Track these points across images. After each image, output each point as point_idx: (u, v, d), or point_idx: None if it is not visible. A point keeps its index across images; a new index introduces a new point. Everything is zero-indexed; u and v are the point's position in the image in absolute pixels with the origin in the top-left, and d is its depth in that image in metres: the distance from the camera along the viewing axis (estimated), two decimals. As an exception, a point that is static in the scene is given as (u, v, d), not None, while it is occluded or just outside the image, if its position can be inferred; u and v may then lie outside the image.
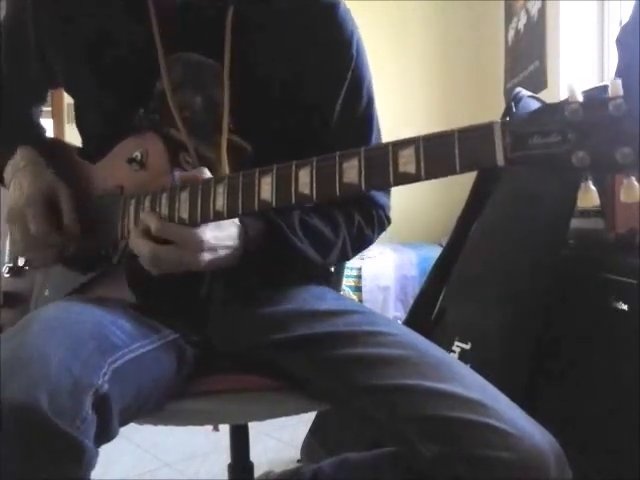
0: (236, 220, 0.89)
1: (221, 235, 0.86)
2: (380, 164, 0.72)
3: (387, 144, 0.72)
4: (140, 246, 0.85)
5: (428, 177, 0.70)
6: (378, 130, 1.08)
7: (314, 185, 0.76)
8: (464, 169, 0.67)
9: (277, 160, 0.80)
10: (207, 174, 0.86)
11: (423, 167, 0.69)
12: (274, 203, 0.78)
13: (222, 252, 0.87)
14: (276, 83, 1.00)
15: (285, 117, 1.00)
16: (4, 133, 1.08)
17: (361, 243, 1.07)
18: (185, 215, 0.84)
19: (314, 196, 0.76)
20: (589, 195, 0.65)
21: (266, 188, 0.79)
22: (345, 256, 1.04)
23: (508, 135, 0.65)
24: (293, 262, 0.97)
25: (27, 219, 0.94)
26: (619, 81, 0.62)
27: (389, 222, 1.10)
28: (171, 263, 0.84)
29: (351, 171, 0.73)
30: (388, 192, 1.09)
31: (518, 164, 0.65)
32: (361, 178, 0.73)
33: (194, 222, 0.84)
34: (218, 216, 0.83)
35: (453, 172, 0.68)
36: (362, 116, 1.06)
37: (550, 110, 0.65)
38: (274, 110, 1.00)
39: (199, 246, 0.84)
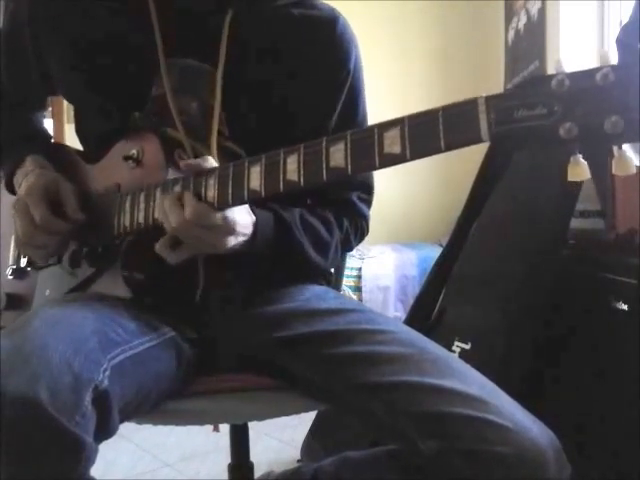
0: (250, 211, 0.89)
1: (243, 222, 0.87)
2: (366, 146, 0.71)
3: (373, 126, 0.72)
4: (172, 214, 0.83)
5: (413, 157, 0.69)
6: None
7: (301, 171, 0.76)
8: (449, 147, 0.66)
9: None
10: (212, 163, 0.86)
11: (408, 147, 0.68)
12: (263, 192, 0.79)
13: (241, 238, 0.87)
14: (270, 91, 1.00)
15: (279, 126, 1.00)
16: (10, 143, 1.08)
17: (345, 248, 1.08)
18: None
19: (302, 182, 0.76)
20: (579, 168, 0.63)
21: (255, 177, 0.79)
22: (335, 259, 1.05)
23: (492, 110, 0.63)
24: (294, 259, 0.98)
25: (30, 208, 0.94)
26: (608, 51, 0.59)
27: (367, 232, 1.12)
28: (196, 240, 0.84)
29: (337, 155, 0.73)
30: (369, 204, 1.11)
31: (504, 138, 0.63)
32: (347, 161, 0.73)
33: None
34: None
35: (438, 150, 0.67)
36: None
37: (535, 82, 0.62)
38: (268, 118, 1.00)
39: (231, 229, 0.84)
